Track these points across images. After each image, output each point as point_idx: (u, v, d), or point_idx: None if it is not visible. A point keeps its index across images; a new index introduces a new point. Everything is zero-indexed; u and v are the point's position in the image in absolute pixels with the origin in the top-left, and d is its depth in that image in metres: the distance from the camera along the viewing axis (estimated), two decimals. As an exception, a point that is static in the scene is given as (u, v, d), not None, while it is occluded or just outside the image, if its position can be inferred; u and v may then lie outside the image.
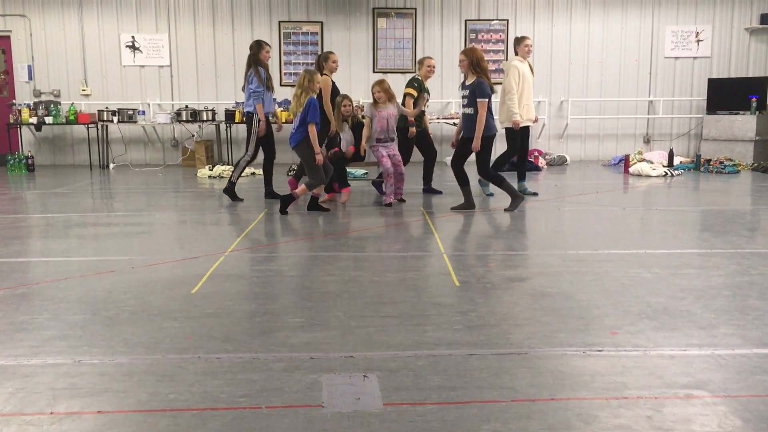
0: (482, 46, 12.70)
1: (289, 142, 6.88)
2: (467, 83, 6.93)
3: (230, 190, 7.80)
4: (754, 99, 11.71)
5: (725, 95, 12.26)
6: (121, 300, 3.86)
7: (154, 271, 4.53)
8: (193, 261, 4.84)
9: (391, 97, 7.51)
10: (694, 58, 12.97)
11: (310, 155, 6.72)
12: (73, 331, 3.34)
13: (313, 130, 6.66)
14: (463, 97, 7.00)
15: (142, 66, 12.56)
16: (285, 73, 12.67)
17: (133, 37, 12.45)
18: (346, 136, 7.70)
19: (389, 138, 7.51)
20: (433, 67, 8.22)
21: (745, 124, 11.77)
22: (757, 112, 11.70)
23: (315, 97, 6.74)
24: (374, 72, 12.61)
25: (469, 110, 6.89)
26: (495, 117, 7.15)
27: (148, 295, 3.95)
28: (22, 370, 2.85)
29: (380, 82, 7.52)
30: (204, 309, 3.68)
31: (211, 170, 10.66)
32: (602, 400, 2.54)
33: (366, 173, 10.31)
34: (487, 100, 6.77)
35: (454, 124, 12.37)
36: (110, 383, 2.71)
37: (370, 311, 3.65)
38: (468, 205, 7.07)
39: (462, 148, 7.08)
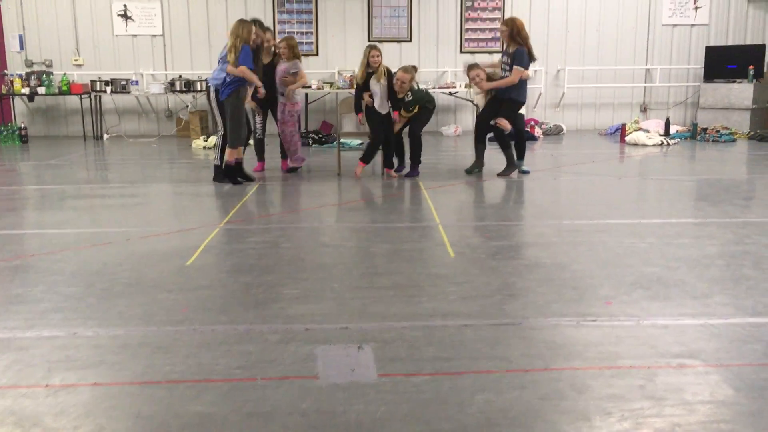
0: (478, 15, 12.56)
1: (220, 96, 6.70)
2: (510, 50, 7.09)
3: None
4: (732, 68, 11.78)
5: (723, 63, 12.18)
6: (116, 272, 3.86)
7: (149, 243, 4.53)
8: (188, 233, 4.83)
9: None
10: (692, 25, 12.85)
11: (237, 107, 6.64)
12: (68, 303, 3.34)
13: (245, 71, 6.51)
14: (504, 63, 7.18)
15: (135, 35, 12.40)
16: (279, 42, 12.52)
17: (125, 5, 12.27)
18: (376, 89, 7.15)
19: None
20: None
21: (742, 92, 11.70)
22: (754, 80, 11.64)
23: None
24: (369, 41, 12.47)
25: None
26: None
27: (143, 268, 3.95)
28: (17, 343, 2.85)
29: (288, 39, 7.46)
30: (199, 281, 3.68)
31: (206, 141, 10.60)
32: (595, 370, 2.55)
33: (362, 143, 10.26)
34: (523, 68, 6.98)
35: (450, 93, 12.30)
36: (106, 355, 2.72)
37: (364, 282, 3.65)
38: (511, 168, 7.37)
39: (491, 108, 7.27)
